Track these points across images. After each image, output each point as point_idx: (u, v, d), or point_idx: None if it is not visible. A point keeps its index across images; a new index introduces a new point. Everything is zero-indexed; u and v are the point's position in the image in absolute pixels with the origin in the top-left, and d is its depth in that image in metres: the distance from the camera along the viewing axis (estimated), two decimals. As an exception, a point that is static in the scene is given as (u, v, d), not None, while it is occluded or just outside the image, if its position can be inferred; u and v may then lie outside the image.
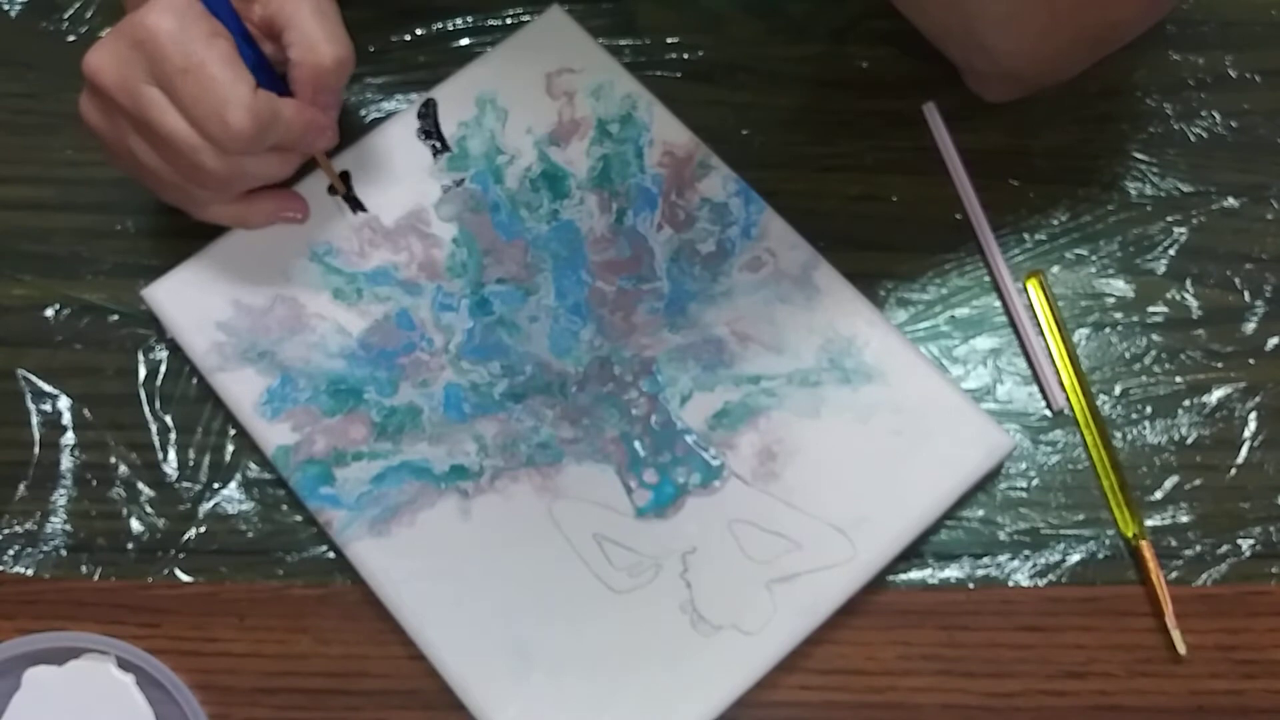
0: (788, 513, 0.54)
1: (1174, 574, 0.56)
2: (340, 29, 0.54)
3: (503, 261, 0.59)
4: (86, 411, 0.58)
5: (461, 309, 0.58)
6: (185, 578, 0.56)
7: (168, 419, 0.58)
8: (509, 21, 0.65)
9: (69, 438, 0.58)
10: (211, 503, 0.57)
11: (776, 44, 0.65)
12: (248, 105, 0.51)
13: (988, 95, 0.61)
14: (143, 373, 0.59)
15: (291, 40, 0.53)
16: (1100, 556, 0.56)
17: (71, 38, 0.65)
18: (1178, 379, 0.59)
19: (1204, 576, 0.56)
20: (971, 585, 0.56)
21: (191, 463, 0.57)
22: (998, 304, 0.60)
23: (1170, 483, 0.57)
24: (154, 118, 0.52)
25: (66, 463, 0.58)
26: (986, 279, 0.61)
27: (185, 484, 0.57)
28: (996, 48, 0.55)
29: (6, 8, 0.66)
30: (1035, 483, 0.57)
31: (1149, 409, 0.58)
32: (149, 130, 0.52)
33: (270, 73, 0.54)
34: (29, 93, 0.64)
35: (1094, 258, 0.61)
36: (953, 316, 0.60)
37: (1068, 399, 0.58)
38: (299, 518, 0.56)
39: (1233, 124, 0.63)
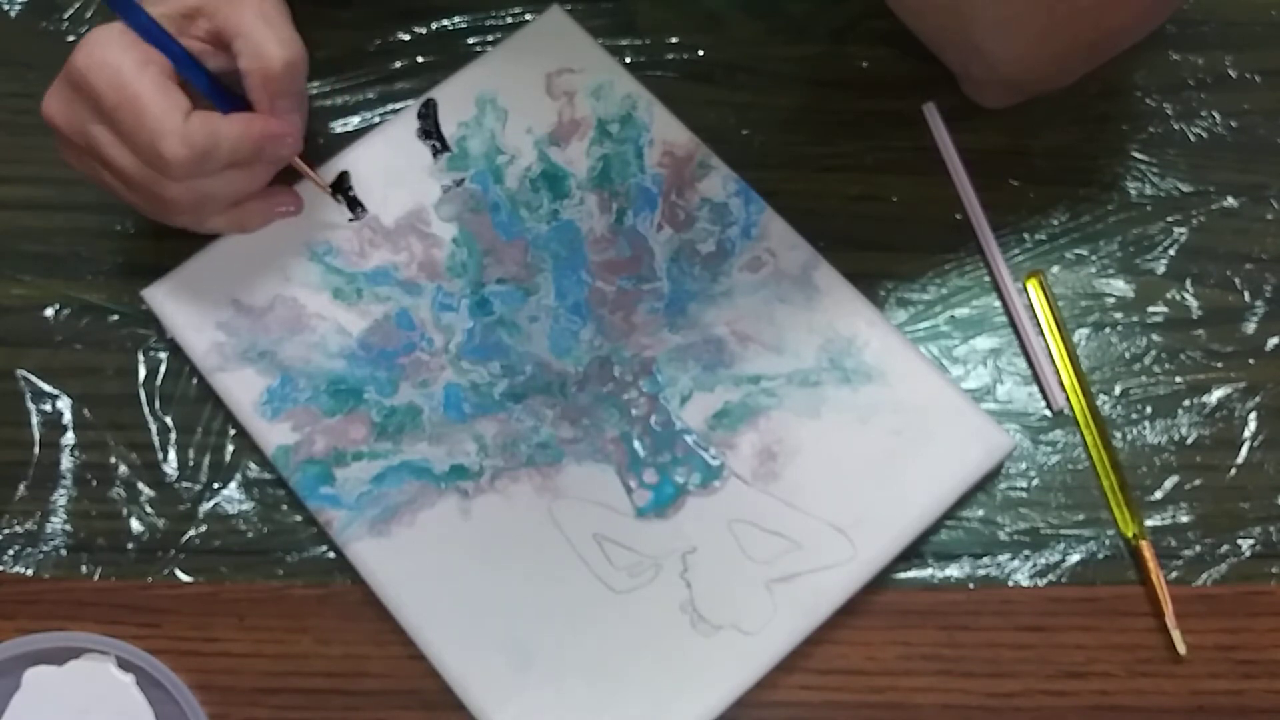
0: (788, 512, 0.54)
1: (1174, 574, 0.56)
2: (289, 31, 0.53)
3: (503, 261, 0.59)
4: (86, 411, 0.58)
5: (461, 309, 0.58)
6: (185, 578, 0.56)
7: (168, 419, 0.58)
8: (509, 21, 0.65)
9: (69, 438, 0.58)
10: (211, 503, 0.57)
11: (776, 44, 0.65)
12: (180, 133, 0.50)
13: (984, 102, 0.61)
14: (143, 373, 0.59)
15: (239, 49, 0.53)
16: (1100, 556, 0.56)
17: (71, 38, 0.65)
18: (1178, 379, 0.59)
19: (1204, 576, 0.56)
20: (971, 585, 0.56)
21: (191, 463, 0.57)
22: (998, 304, 0.60)
23: (1170, 483, 0.57)
24: (105, 155, 0.52)
25: (66, 463, 0.58)
26: (986, 279, 0.61)
27: (185, 484, 0.57)
28: (994, 54, 0.55)
29: (6, 8, 0.66)
30: (1035, 483, 0.57)
31: (1149, 409, 0.58)
32: (108, 167, 0.52)
33: (221, 89, 0.54)
34: (29, 93, 0.64)
35: (1094, 258, 0.61)
36: (953, 316, 0.60)
37: (1068, 399, 0.58)
38: (299, 518, 0.56)
39: (1233, 124, 0.63)
